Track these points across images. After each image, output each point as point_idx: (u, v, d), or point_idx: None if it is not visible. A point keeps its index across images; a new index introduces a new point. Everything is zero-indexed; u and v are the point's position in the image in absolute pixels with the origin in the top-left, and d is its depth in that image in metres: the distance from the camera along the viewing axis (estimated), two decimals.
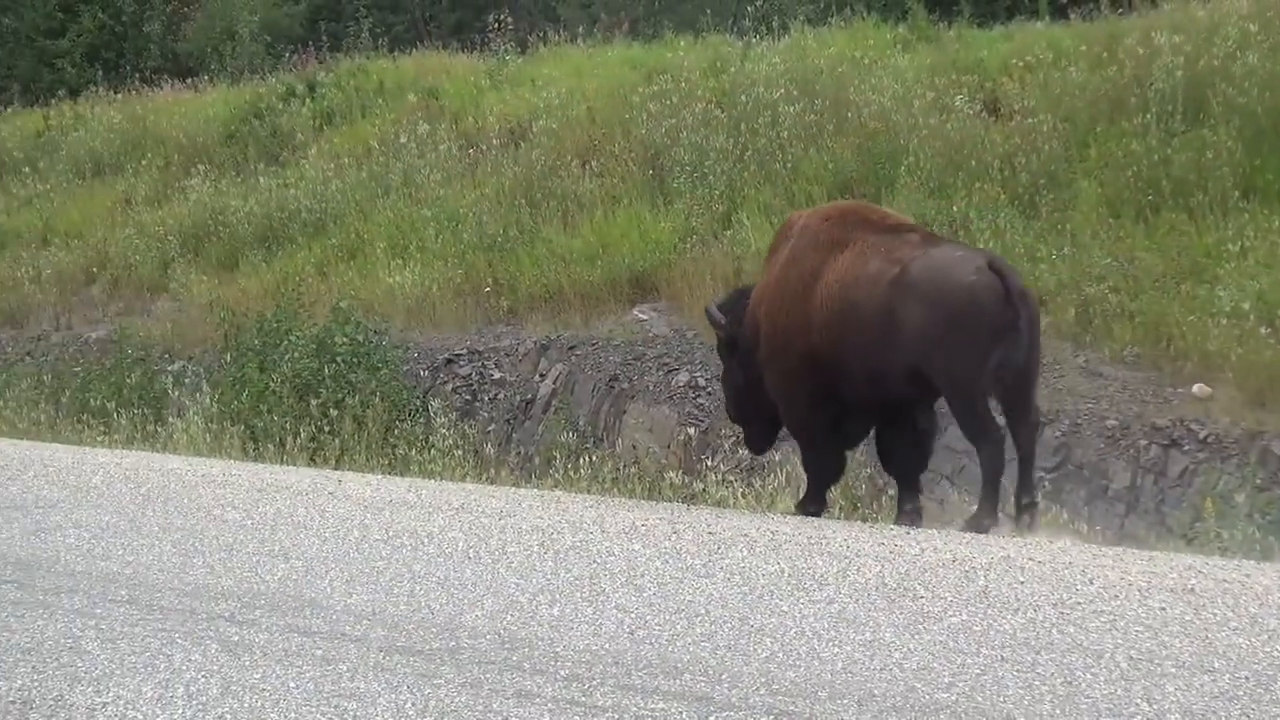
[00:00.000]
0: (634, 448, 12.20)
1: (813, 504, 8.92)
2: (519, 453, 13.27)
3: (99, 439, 13.83)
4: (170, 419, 14.13)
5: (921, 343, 7.83)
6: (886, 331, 7.99)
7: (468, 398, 14.14)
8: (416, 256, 15.88)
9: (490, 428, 13.78)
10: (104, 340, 16.97)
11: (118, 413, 14.44)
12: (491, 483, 11.79)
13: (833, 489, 9.28)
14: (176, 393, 14.78)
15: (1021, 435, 7.88)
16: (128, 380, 15.06)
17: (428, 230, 16.18)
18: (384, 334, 14.37)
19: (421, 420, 13.68)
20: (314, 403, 13.49)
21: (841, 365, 8.27)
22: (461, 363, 14.43)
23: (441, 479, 11.64)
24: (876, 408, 8.48)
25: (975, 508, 8.04)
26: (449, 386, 14.31)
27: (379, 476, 10.83)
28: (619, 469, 12.03)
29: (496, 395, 14.05)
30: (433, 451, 12.71)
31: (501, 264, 15.26)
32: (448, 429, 13.16)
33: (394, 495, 8.77)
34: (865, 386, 8.27)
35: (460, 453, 12.80)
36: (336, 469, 11.97)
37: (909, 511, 8.49)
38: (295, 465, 12.07)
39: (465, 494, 9.09)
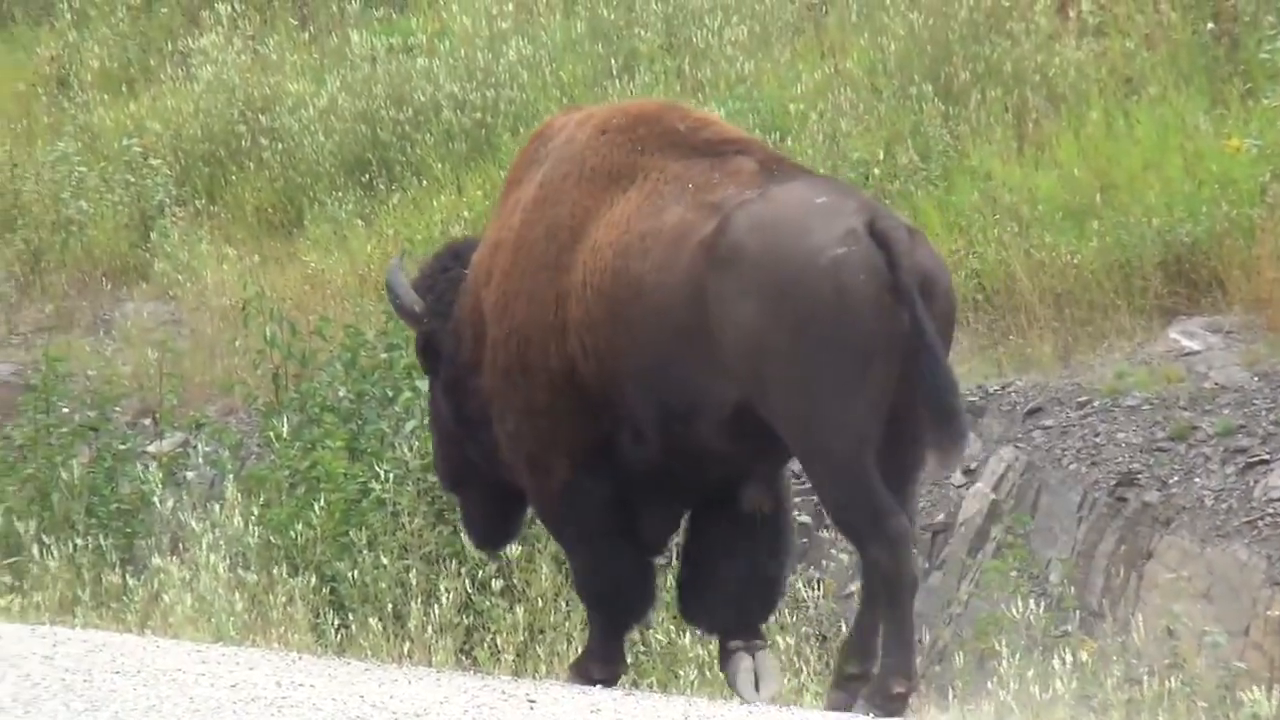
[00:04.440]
0: (1169, 632, 11.47)
1: (598, 662, 8.66)
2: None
3: None
4: (152, 560, 12.00)
5: (754, 359, 7.86)
6: (694, 337, 7.99)
7: None
8: None
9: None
10: (10, 383, 16.57)
11: (46, 550, 12.41)
12: None
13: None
14: (172, 502, 12.64)
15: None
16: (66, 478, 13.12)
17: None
18: None
19: None
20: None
21: (617, 397, 8.29)
22: None
23: None
24: (689, 478, 8.45)
25: (879, 666, 8.07)
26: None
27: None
28: (1137, 670, 10.90)
29: None
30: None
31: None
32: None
33: None
34: (658, 437, 8.25)
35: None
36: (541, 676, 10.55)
37: (739, 675, 8.37)
38: (443, 669, 10.07)
39: None
